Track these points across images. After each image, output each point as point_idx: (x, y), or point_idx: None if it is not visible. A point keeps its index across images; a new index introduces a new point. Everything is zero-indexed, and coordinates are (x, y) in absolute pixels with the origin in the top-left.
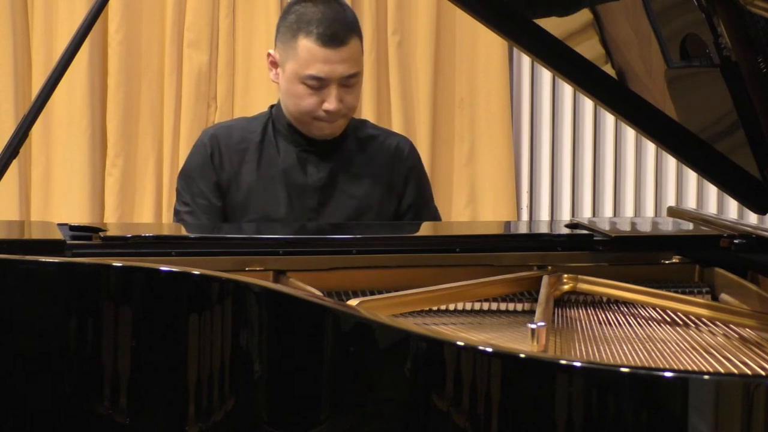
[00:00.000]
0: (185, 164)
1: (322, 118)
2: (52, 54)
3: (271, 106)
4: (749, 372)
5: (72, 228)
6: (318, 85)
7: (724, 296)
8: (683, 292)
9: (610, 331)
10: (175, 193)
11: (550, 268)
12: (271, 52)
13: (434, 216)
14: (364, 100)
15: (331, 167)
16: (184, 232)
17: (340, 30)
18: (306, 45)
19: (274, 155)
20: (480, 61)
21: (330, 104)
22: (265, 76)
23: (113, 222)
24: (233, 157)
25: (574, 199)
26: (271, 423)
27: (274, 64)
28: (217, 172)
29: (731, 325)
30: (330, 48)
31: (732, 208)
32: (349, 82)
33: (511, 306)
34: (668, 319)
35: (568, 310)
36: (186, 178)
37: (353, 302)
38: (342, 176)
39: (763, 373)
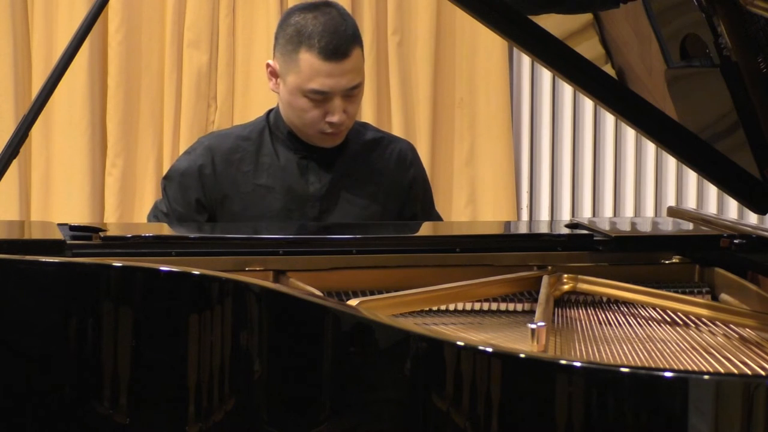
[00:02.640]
0: (172, 168)
1: (325, 130)
2: (52, 54)
3: (268, 112)
4: (749, 372)
5: (72, 228)
6: (321, 98)
7: (724, 296)
8: (683, 292)
9: (610, 331)
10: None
11: (550, 268)
12: (270, 62)
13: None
14: (364, 100)
15: (332, 175)
16: (184, 232)
17: (342, 43)
18: (308, 59)
19: (272, 162)
20: (480, 61)
21: (335, 117)
22: (265, 76)
23: (113, 222)
24: (228, 169)
25: (574, 199)
26: (271, 423)
27: (273, 74)
28: (207, 187)
29: (731, 325)
30: (333, 62)
31: (732, 208)
32: (353, 93)
33: (511, 306)
34: (668, 319)
35: (568, 310)
36: (170, 180)
37: (353, 302)
38: (344, 184)
39: (763, 373)
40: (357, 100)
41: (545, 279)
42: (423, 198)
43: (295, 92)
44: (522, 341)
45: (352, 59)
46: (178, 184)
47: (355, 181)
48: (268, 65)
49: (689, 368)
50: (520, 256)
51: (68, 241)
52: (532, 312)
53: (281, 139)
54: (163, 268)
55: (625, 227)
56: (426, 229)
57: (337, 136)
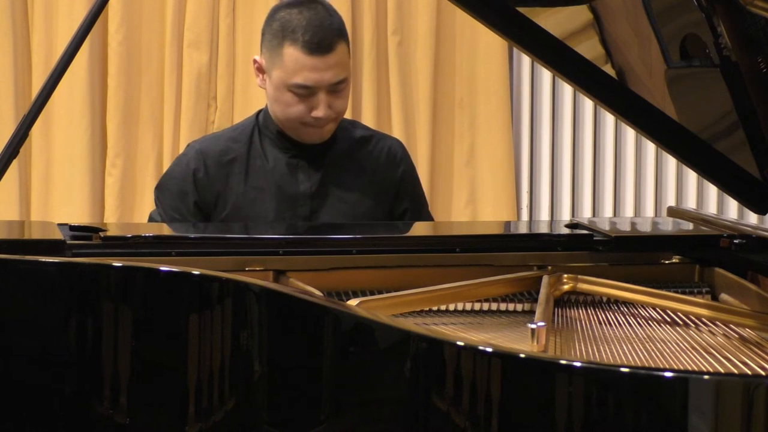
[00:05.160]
0: (165, 177)
1: (311, 123)
2: (52, 54)
3: (258, 112)
4: (749, 372)
5: (72, 228)
6: (306, 92)
7: (724, 296)
8: (683, 292)
9: (610, 331)
10: None
11: (550, 268)
12: (257, 58)
13: (428, 219)
14: (364, 100)
15: (322, 173)
16: (184, 232)
17: (326, 37)
18: (292, 53)
19: (262, 164)
20: (480, 61)
21: (319, 112)
22: None
23: (113, 222)
24: (220, 171)
25: (574, 199)
26: (271, 423)
27: (260, 70)
28: (201, 190)
29: (731, 325)
30: (316, 56)
31: (732, 208)
32: (338, 88)
33: (511, 306)
34: (668, 319)
35: (568, 310)
36: (163, 190)
37: (353, 302)
38: (334, 182)
39: (763, 373)
40: (343, 95)
41: (545, 279)
42: (412, 194)
43: (281, 87)
44: (522, 341)
45: (337, 54)
46: (175, 191)
47: (344, 179)
48: (254, 61)
49: (689, 368)
50: (520, 256)
51: (68, 241)
52: (532, 312)
53: (270, 139)
54: (163, 268)
55: (625, 227)
56: (426, 229)
57: (323, 132)
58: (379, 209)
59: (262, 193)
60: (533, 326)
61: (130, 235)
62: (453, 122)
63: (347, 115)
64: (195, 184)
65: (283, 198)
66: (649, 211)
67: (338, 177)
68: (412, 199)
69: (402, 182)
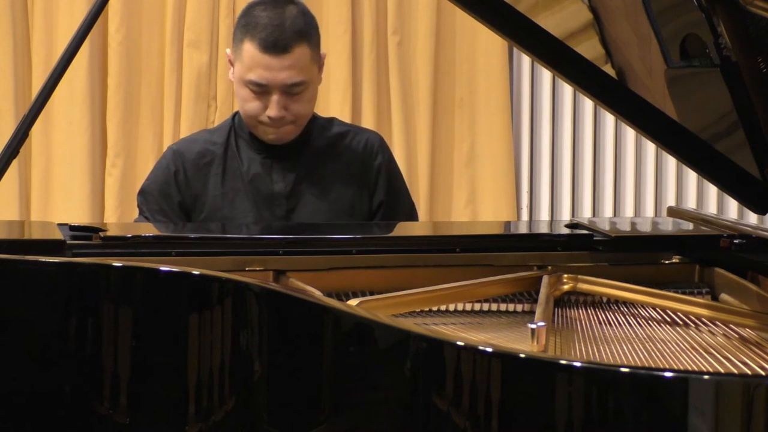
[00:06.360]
0: (146, 182)
1: (266, 123)
2: (52, 54)
3: (234, 114)
4: (749, 372)
5: (72, 228)
6: (259, 90)
7: (724, 296)
8: (683, 292)
9: (610, 331)
10: None
11: (550, 268)
12: (228, 51)
13: (409, 212)
14: (364, 99)
15: (297, 172)
16: (184, 232)
17: (283, 37)
18: (248, 49)
19: (238, 165)
20: (480, 61)
21: (271, 110)
22: None
23: (113, 222)
24: (198, 172)
25: (574, 199)
26: (271, 423)
27: (231, 63)
28: (182, 191)
29: (731, 325)
30: (271, 55)
31: (732, 208)
32: (294, 90)
33: (511, 306)
34: (668, 319)
35: (568, 310)
36: (146, 195)
37: (353, 302)
38: (310, 180)
39: (763, 373)
40: (301, 99)
41: (545, 279)
42: (388, 187)
43: (239, 82)
44: (522, 341)
45: (293, 55)
46: (159, 194)
47: (320, 176)
48: (227, 54)
49: (689, 368)
50: (520, 256)
51: (68, 241)
52: (532, 312)
53: (244, 140)
54: (163, 268)
55: (625, 227)
56: (426, 229)
57: (281, 132)
58: (357, 204)
59: (239, 195)
60: (533, 326)
61: (130, 235)
62: (453, 122)
63: (346, 114)
64: (177, 185)
65: (259, 198)
66: (649, 211)
67: (314, 175)
68: (388, 192)
69: (379, 174)
